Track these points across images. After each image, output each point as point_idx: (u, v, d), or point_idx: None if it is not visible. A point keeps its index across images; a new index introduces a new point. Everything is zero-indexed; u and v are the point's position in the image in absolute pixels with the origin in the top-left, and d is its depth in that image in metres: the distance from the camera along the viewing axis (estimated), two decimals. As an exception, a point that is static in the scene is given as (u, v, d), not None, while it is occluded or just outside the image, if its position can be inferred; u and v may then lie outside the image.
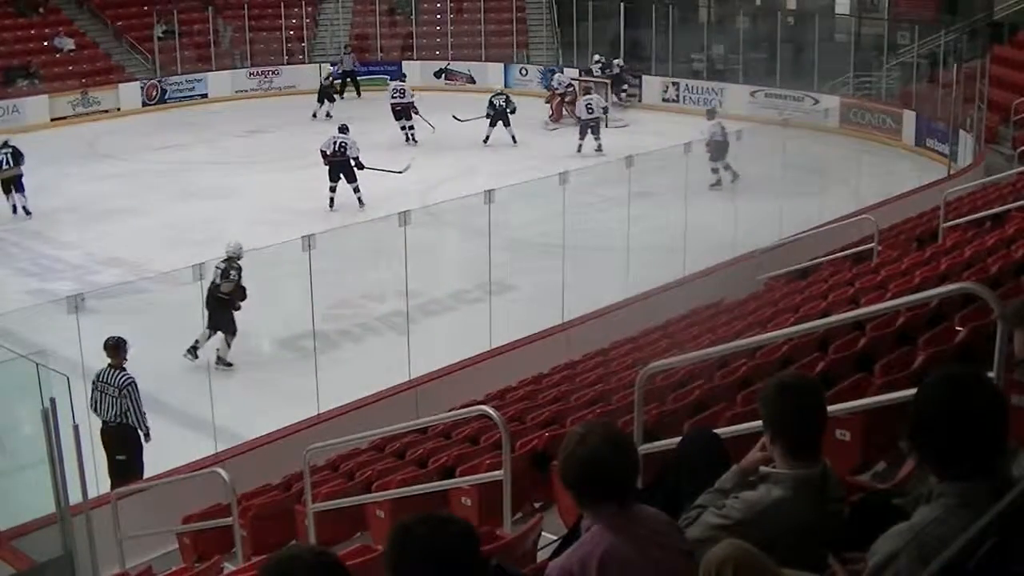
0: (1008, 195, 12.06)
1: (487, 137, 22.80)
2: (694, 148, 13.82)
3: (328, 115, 25.00)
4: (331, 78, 26.85)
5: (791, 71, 25.80)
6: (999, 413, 2.50)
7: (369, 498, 6.90)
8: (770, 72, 26.31)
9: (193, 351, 11.83)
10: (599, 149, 21.61)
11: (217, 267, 11.78)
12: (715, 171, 18.51)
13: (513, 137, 22.66)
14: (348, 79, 27.91)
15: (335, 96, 26.43)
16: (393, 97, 23.40)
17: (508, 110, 22.70)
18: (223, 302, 11.86)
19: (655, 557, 2.80)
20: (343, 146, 18.09)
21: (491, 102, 22.85)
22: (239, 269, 11.95)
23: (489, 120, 22.75)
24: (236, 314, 12.07)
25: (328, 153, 18.16)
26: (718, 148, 18.32)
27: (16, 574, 7.22)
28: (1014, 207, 10.61)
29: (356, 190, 18.19)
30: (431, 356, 10.80)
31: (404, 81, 24.42)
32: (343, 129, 18.61)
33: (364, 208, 17.93)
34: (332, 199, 18.16)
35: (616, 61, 27.37)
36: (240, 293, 11.97)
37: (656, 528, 2.89)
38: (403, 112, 23.21)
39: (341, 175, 18.10)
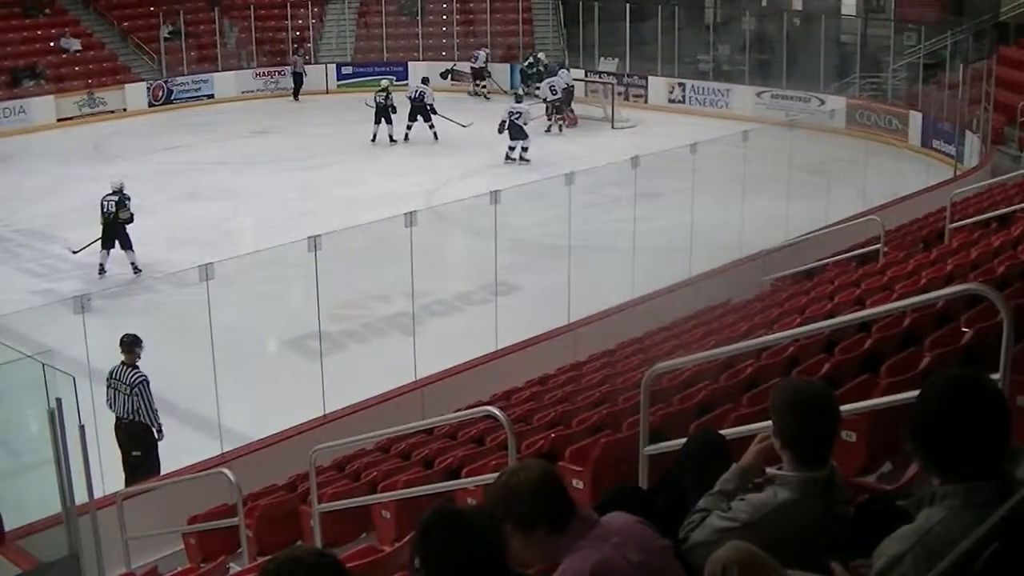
0: (1014, 196, 12.02)
1: (374, 136, 23.42)
2: (698, 149, 13.79)
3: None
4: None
5: (797, 72, 25.78)
6: (1000, 414, 2.50)
7: (375, 499, 6.89)
8: (776, 73, 26.31)
9: (101, 269, 14.92)
10: (548, 130, 24.20)
11: (108, 200, 14.93)
12: (511, 149, 21.20)
13: (391, 136, 23.48)
14: (296, 81, 29.42)
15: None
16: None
17: (389, 106, 23.33)
18: (121, 227, 14.95)
19: (638, 560, 2.85)
20: (421, 94, 23.38)
21: (375, 99, 23.56)
22: (129, 198, 15.16)
23: (374, 118, 23.44)
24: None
25: (411, 98, 23.39)
26: (514, 129, 21.16)
27: (22, 574, 7.23)
28: (1020, 208, 10.58)
29: (431, 127, 23.28)
30: (437, 357, 10.80)
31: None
32: (424, 81, 24.21)
33: (438, 141, 23.14)
34: (407, 135, 23.34)
35: (483, 52, 29.13)
36: (131, 218, 15.10)
37: (630, 533, 2.93)
38: (454, 75, 29.38)
39: (418, 116, 23.25)
